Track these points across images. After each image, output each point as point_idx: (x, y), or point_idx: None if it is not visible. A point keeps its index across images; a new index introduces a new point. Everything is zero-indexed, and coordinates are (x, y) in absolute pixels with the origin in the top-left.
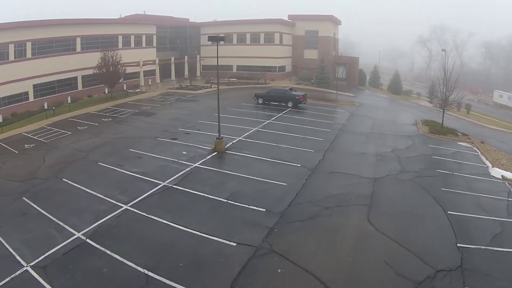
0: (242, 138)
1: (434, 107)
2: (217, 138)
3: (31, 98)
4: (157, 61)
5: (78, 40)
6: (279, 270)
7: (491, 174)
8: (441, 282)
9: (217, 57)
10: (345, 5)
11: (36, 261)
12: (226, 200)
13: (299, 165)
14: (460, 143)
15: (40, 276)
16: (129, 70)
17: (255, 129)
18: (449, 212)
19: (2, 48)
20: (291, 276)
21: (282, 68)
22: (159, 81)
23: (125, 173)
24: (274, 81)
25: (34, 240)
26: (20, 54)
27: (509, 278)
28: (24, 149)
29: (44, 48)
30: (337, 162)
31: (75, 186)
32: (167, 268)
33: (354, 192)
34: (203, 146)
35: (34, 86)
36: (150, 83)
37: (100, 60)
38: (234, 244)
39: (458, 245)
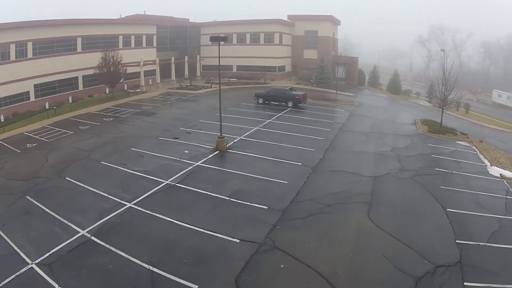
0: (243, 137)
1: (433, 107)
2: (218, 137)
3: (32, 98)
4: (157, 61)
5: (79, 40)
6: (282, 266)
7: (490, 172)
8: (440, 277)
9: (219, 57)
10: (345, 5)
11: (41, 258)
12: (228, 198)
13: (300, 164)
14: (459, 142)
15: (45, 273)
16: (130, 70)
17: (256, 128)
18: (448, 209)
19: (3, 48)
20: (294, 271)
21: (282, 68)
22: (159, 81)
23: (128, 171)
24: (274, 81)
25: (38, 238)
26: (21, 54)
27: (507, 273)
28: (26, 149)
29: (45, 48)
30: (337, 160)
31: (79, 185)
32: (172, 264)
33: (355, 190)
34: (205, 145)
35: (35, 86)
36: (150, 83)
37: (101, 60)
38: (237, 241)
39: (457, 241)
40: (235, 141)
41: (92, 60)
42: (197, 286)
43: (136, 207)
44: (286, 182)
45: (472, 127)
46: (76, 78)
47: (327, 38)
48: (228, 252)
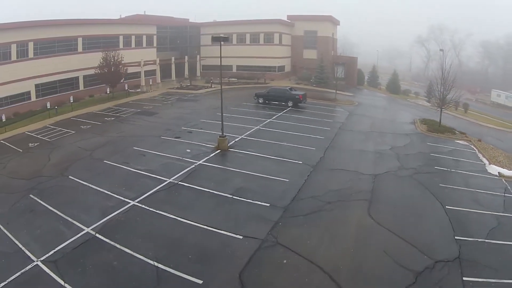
0: (244, 136)
1: (432, 106)
2: (220, 136)
3: (33, 98)
4: (157, 61)
5: (80, 40)
6: (284, 261)
7: (488, 171)
8: (439, 272)
9: (220, 57)
10: (344, 5)
11: (46, 255)
12: (231, 196)
13: (301, 162)
14: (458, 141)
15: (51, 270)
16: (130, 70)
17: (256, 127)
18: (447, 206)
19: (4, 48)
20: (296, 266)
21: (281, 68)
22: (159, 81)
23: (131, 170)
24: (273, 81)
25: (43, 236)
26: (22, 54)
27: (505, 269)
28: (28, 148)
29: (46, 48)
30: (337, 159)
31: (82, 183)
32: (177, 260)
33: (355, 188)
34: (206, 144)
35: (36, 86)
36: (150, 83)
37: (101, 60)
38: (241, 237)
39: (456, 237)
40: (236, 140)
41: (93, 60)
42: (202, 282)
43: (140, 205)
44: (287, 180)
45: (470, 126)
46: (77, 78)
47: (327, 38)
48: (232, 248)
